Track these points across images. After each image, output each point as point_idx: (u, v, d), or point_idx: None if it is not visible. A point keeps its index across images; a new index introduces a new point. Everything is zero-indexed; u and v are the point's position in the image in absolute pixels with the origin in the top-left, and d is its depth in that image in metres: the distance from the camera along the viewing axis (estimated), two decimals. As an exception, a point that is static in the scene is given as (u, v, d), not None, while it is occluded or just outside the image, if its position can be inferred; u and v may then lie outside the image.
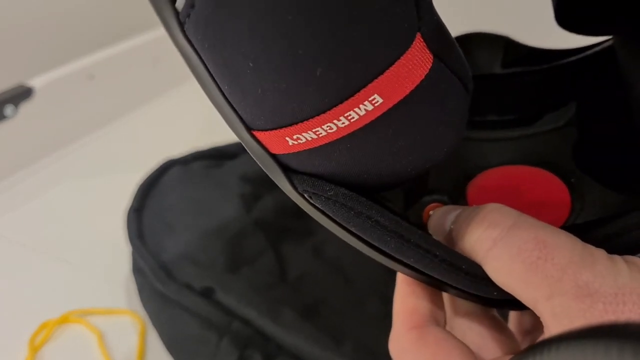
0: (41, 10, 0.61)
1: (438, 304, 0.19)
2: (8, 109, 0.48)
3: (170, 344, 0.32)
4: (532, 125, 0.24)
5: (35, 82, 0.51)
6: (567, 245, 0.14)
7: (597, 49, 0.24)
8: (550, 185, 0.21)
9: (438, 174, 0.22)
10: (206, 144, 0.45)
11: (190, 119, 0.61)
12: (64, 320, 0.35)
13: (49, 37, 0.63)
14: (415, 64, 0.13)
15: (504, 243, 0.14)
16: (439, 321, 0.18)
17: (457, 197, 0.22)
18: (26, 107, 0.50)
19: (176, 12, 0.12)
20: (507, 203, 0.21)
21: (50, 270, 0.39)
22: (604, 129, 0.23)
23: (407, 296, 0.18)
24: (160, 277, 0.33)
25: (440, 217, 0.18)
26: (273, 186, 0.43)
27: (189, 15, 0.12)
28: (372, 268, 0.33)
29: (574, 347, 0.11)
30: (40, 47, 0.62)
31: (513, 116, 0.24)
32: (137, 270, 0.35)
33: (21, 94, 0.49)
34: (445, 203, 0.21)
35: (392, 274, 0.33)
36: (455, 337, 0.17)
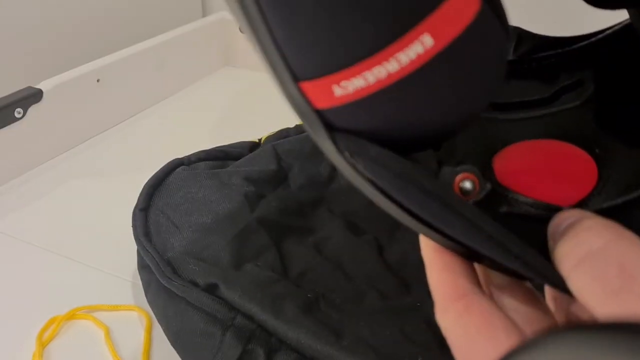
0: (50, 16, 0.62)
1: (473, 275, 0.18)
2: (17, 111, 0.49)
3: (175, 339, 0.33)
4: (552, 104, 0.24)
5: (44, 86, 0.52)
6: None
7: (608, 31, 0.24)
8: (575, 156, 0.21)
9: (464, 148, 0.22)
10: (211, 146, 0.46)
11: (196, 121, 0.62)
12: (71, 316, 0.36)
13: (58, 42, 0.64)
14: (464, 3, 0.13)
15: (589, 264, 0.14)
16: (481, 289, 0.17)
17: (485, 169, 0.21)
18: (35, 110, 0.51)
19: None
20: (534, 174, 0.21)
21: (58, 268, 0.40)
22: (623, 100, 0.23)
23: (441, 271, 0.18)
24: (166, 273, 0.33)
25: (561, 220, 0.17)
26: (276, 186, 0.44)
27: None
28: (371, 264, 0.34)
29: (570, 340, 0.11)
30: (48, 52, 0.63)
31: (534, 97, 0.24)
32: (143, 267, 0.36)
33: (30, 97, 0.50)
34: (475, 173, 0.20)
35: (390, 270, 0.34)
36: (500, 310, 0.16)
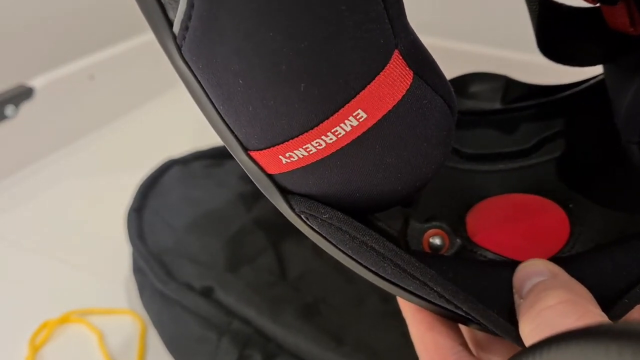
0: (42, 10, 0.61)
1: (457, 332, 0.18)
2: (9, 109, 0.48)
3: (170, 343, 0.32)
4: (531, 156, 0.24)
5: (36, 82, 0.51)
6: None
7: (591, 82, 0.24)
8: (549, 212, 0.22)
9: (440, 202, 0.23)
10: (206, 144, 0.45)
11: (191, 119, 0.60)
12: (64, 320, 0.35)
13: (50, 38, 0.63)
14: (395, 79, 0.13)
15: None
16: (466, 350, 0.17)
17: (457, 224, 0.22)
18: (27, 107, 0.50)
19: (174, 36, 0.13)
20: (505, 230, 0.21)
21: (51, 271, 0.39)
22: (597, 155, 0.23)
23: (425, 330, 0.18)
24: (161, 276, 0.33)
25: (525, 275, 0.17)
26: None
27: (184, 38, 0.13)
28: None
29: (574, 346, 0.11)
30: (40, 48, 0.62)
31: (513, 148, 0.24)
32: (137, 270, 0.35)
33: (22, 94, 0.49)
34: (444, 230, 0.21)
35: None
36: None
